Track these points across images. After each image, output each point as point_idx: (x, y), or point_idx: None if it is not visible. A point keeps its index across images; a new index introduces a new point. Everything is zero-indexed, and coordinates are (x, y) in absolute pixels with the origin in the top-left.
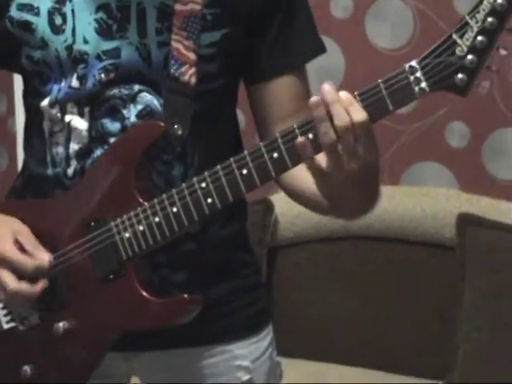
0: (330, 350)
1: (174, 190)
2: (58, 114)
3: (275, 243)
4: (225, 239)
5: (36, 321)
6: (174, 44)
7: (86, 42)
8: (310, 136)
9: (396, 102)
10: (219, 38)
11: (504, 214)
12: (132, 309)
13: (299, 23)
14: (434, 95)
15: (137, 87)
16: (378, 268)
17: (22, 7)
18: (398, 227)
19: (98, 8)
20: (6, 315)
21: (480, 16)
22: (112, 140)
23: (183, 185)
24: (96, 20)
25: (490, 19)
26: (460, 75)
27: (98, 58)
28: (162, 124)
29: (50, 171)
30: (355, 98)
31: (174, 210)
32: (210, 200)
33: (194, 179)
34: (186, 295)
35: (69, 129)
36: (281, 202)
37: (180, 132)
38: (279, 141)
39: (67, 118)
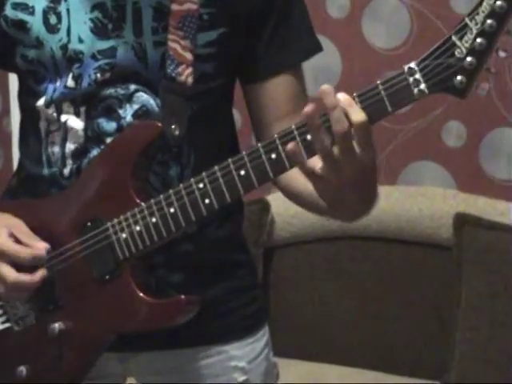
0: (327, 350)
1: (171, 191)
2: (54, 114)
3: (272, 243)
4: (221, 240)
5: (31, 321)
6: (171, 44)
7: (81, 41)
8: (309, 137)
9: (395, 103)
10: (216, 38)
11: (501, 213)
12: (128, 310)
13: (295, 22)
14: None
15: (133, 87)
16: (375, 268)
17: (17, 6)
18: (395, 227)
19: (94, 7)
20: (1, 315)
21: (479, 18)
22: (108, 140)
23: (181, 185)
24: (91, 19)
25: (489, 21)
26: (459, 77)
27: (94, 57)
28: (159, 124)
29: (45, 171)
30: (354, 99)
31: (172, 210)
32: (207, 201)
33: (192, 180)
34: (182, 296)
35: (65, 128)
36: (277, 201)
37: (177, 132)
38: (277, 142)
39: (63, 117)
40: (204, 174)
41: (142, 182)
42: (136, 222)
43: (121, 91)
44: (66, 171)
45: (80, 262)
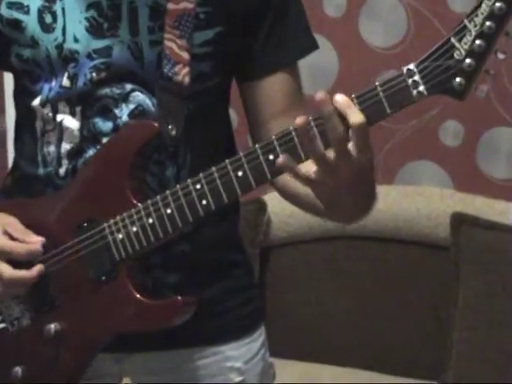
0: (324, 350)
1: (168, 192)
2: (50, 114)
3: (268, 243)
4: (218, 240)
5: (27, 322)
6: (167, 43)
7: (76, 40)
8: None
9: (394, 105)
10: (212, 37)
11: (498, 213)
12: (125, 310)
13: (292, 21)
14: None
15: (129, 86)
16: (372, 268)
17: (12, 5)
18: (392, 227)
19: (89, 6)
20: None
21: (478, 20)
22: (104, 140)
23: (177, 186)
24: (87, 18)
25: (488, 23)
26: (458, 79)
27: (89, 56)
28: (156, 124)
29: (41, 171)
30: (352, 100)
31: (168, 211)
32: (204, 202)
33: (189, 181)
34: (179, 297)
35: (60, 128)
36: (274, 201)
37: (174, 132)
38: (275, 143)
39: (59, 117)
40: (201, 174)
41: (139, 182)
42: (132, 223)
43: (117, 91)
44: (62, 171)
45: (76, 263)
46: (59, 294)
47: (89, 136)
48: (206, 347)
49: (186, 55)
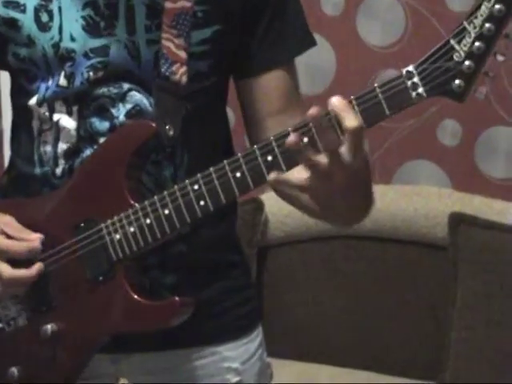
0: (322, 350)
1: (165, 192)
2: (47, 113)
3: (266, 243)
4: (215, 240)
5: (23, 322)
6: (165, 42)
7: (73, 39)
8: (305, 140)
9: (392, 106)
10: (210, 35)
11: (497, 212)
12: (122, 311)
13: (290, 18)
14: None
15: (126, 86)
16: (370, 267)
17: (8, 4)
18: (390, 226)
19: (85, 5)
20: None
21: (478, 21)
22: (101, 139)
23: (175, 187)
24: (83, 17)
25: (487, 25)
26: (457, 81)
27: (86, 55)
28: (154, 124)
29: (37, 170)
30: (351, 102)
31: (166, 212)
32: (202, 202)
33: (187, 181)
34: (176, 298)
35: (57, 128)
36: (271, 201)
37: (171, 132)
38: (273, 144)
39: (55, 116)
40: (199, 175)
41: (136, 182)
42: (130, 223)
43: (114, 90)
44: (58, 171)
45: (73, 263)
46: (56, 294)
47: (86, 136)
48: (204, 347)
49: (183, 54)
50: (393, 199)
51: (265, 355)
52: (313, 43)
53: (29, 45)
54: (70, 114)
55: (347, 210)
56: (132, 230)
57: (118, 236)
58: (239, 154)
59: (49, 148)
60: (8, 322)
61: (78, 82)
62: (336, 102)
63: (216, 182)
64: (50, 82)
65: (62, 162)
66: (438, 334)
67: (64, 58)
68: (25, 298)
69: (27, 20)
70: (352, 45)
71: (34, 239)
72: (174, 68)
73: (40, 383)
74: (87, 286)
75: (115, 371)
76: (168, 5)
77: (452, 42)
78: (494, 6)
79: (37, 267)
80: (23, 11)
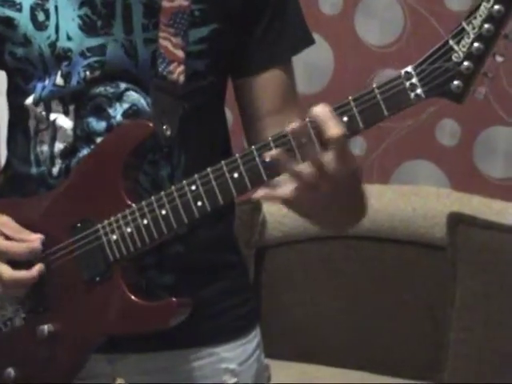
0: (320, 351)
1: (163, 193)
2: (43, 113)
3: (263, 243)
4: (213, 241)
5: (20, 322)
6: (162, 42)
7: (69, 38)
8: (303, 140)
9: (391, 107)
10: (207, 34)
11: (496, 212)
12: (119, 312)
13: (290, 17)
14: None
15: (123, 85)
16: (369, 268)
17: (4, 3)
18: (388, 226)
19: (82, 4)
20: None
21: (477, 22)
22: (98, 139)
23: (172, 187)
24: (80, 16)
25: (486, 25)
26: (456, 82)
27: (83, 55)
28: (151, 124)
29: (34, 170)
30: (350, 103)
31: (163, 212)
32: (200, 203)
33: (184, 182)
34: (174, 299)
35: (54, 127)
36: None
37: (168, 132)
38: (271, 144)
39: (52, 116)
40: (196, 176)
41: (133, 182)
42: (127, 224)
43: (110, 90)
44: (55, 171)
45: (70, 264)
46: (52, 295)
47: (82, 135)
48: (201, 348)
49: (180, 53)
50: (391, 199)
51: (262, 356)
52: (311, 42)
53: (25, 44)
54: (66, 113)
55: (338, 218)
56: (129, 230)
57: (114, 236)
58: (237, 155)
59: (45, 148)
60: (4, 323)
61: (74, 81)
62: (318, 111)
63: (213, 182)
64: (47, 82)
65: (58, 161)
66: (436, 335)
67: (61, 57)
68: (21, 298)
69: (23, 19)
70: (350, 44)
71: (34, 240)
72: (171, 67)
73: (36, 383)
74: (84, 287)
75: (112, 371)
76: (165, 3)
77: (451, 42)
78: (493, 6)
79: (37, 268)
80: (19, 10)
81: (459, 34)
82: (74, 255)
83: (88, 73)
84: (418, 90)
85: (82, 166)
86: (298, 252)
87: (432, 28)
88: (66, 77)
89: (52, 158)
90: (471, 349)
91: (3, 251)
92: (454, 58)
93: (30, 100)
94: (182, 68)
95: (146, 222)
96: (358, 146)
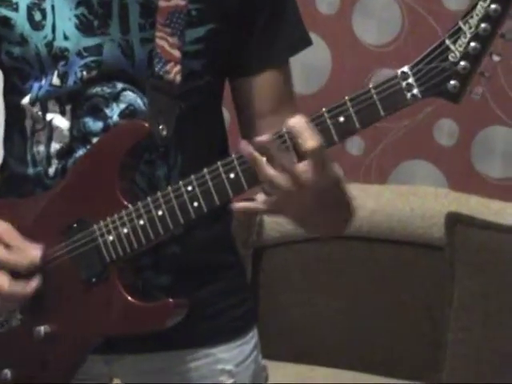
0: (318, 351)
1: (159, 193)
2: (40, 113)
3: (261, 243)
4: (209, 241)
5: (16, 323)
6: (159, 41)
7: (66, 38)
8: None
9: (388, 107)
10: (204, 34)
11: (494, 212)
12: (115, 313)
13: (288, 17)
14: None
15: (120, 85)
16: (366, 268)
17: (0, 2)
18: (386, 227)
19: (79, 3)
20: None
21: (473, 21)
22: (94, 140)
23: (169, 188)
24: (76, 16)
25: (483, 25)
26: (452, 81)
27: (79, 54)
28: (147, 124)
29: (30, 170)
30: (346, 103)
31: (160, 213)
32: (196, 204)
33: (180, 183)
34: (170, 299)
35: (50, 127)
36: None
37: (165, 132)
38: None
39: (48, 116)
40: (193, 176)
41: (129, 182)
42: (123, 224)
43: (107, 90)
44: (51, 171)
45: (66, 265)
46: (49, 295)
47: (79, 136)
48: (198, 349)
49: (177, 53)
50: (389, 199)
51: (260, 357)
52: (309, 43)
53: (22, 43)
54: (63, 113)
55: (323, 225)
56: (125, 231)
57: (111, 237)
58: (233, 155)
59: (42, 148)
60: (1, 323)
61: (71, 81)
62: (295, 124)
63: (210, 183)
64: (43, 81)
65: (54, 162)
66: (434, 335)
67: (57, 57)
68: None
69: (20, 18)
70: (348, 44)
71: (36, 255)
72: (167, 67)
73: None
74: (80, 288)
75: (108, 372)
76: (162, 3)
77: (447, 42)
78: (489, 5)
79: (34, 284)
80: (16, 9)
81: (456, 34)
82: (70, 256)
83: (85, 73)
84: (415, 90)
85: (79, 167)
86: (295, 252)
87: (430, 27)
88: (63, 77)
89: (48, 158)
90: (469, 349)
91: (3, 262)
92: (450, 57)
93: (26, 100)
94: (178, 68)
95: (142, 222)
96: (355, 146)
